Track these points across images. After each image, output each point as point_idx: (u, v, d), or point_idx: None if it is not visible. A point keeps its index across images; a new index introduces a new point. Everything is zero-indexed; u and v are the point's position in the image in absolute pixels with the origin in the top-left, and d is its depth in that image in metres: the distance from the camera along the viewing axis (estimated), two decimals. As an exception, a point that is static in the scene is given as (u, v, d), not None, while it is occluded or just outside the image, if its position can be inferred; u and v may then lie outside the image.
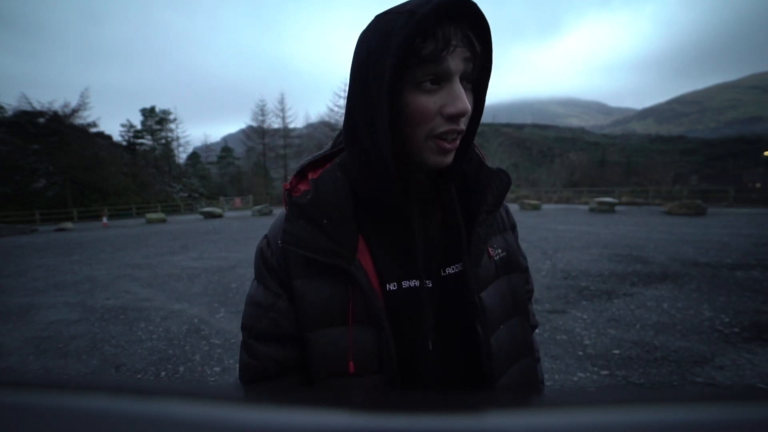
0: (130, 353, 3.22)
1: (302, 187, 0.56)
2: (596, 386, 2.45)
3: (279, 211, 0.60)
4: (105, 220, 21.22)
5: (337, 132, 0.62)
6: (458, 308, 0.56)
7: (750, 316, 3.51)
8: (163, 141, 49.57)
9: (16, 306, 4.78)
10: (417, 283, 0.54)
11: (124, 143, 45.15)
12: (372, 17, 0.50)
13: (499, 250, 0.62)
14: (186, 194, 41.03)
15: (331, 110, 42.11)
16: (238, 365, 0.61)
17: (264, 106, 46.71)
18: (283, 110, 47.00)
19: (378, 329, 0.51)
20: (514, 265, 0.64)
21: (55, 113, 31.07)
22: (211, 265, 7.03)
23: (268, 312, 0.55)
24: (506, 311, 0.60)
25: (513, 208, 17.98)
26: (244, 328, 0.58)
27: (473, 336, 0.56)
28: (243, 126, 52.30)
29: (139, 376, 2.84)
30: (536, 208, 19.45)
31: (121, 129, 46.75)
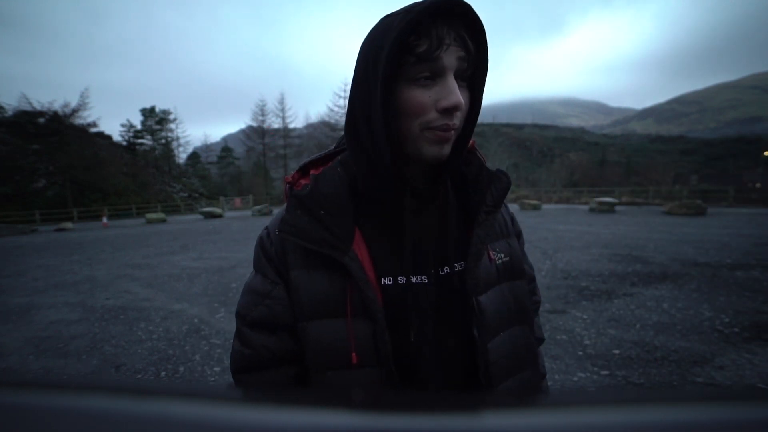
0: (130, 353, 3.22)
1: (303, 182, 0.58)
2: (596, 386, 2.46)
3: (279, 210, 0.61)
4: (105, 220, 21.23)
5: (338, 132, 0.62)
6: (455, 309, 0.56)
7: (750, 316, 3.51)
8: (163, 141, 49.59)
9: (16, 306, 4.78)
10: (413, 279, 0.54)
11: (124, 143, 45.16)
12: (375, 16, 0.53)
13: (502, 255, 0.61)
14: (186, 194, 41.03)
15: (331, 110, 42.11)
16: (230, 354, 0.60)
17: (264, 106, 46.72)
18: (283, 110, 47.01)
19: (373, 322, 0.51)
20: (518, 271, 0.63)
21: (55, 113, 31.07)
22: (211, 265, 7.03)
23: (264, 299, 0.55)
24: (508, 318, 0.59)
25: (513, 208, 17.98)
26: (238, 315, 0.58)
27: (470, 340, 0.55)
28: (243, 126, 52.31)
29: (139, 376, 2.84)
30: (536, 208, 19.45)
31: (121, 129, 46.81)
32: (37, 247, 11.17)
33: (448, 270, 0.56)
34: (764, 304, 3.83)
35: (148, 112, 48.48)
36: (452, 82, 0.49)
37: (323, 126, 44.12)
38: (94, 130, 34.87)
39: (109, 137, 40.53)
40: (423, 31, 0.48)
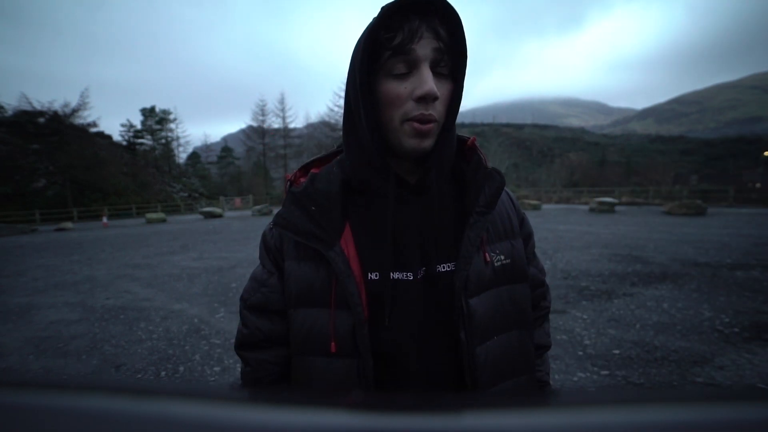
0: (130, 353, 3.22)
1: (303, 180, 0.62)
2: (596, 386, 2.45)
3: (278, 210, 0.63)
4: (105, 220, 21.22)
5: (338, 132, 0.63)
6: (444, 309, 0.55)
7: (750, 316, 3.51)
8: (163, 141, 49.60)
9: (16, 306, 4.78)
10: (397, 275, 0.55)
11: (124, 143, 45.17)
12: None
13: (502, 257, 0.59)
14: (186, 194, 41.02)
15: (331, 110, 42.08)
16: None
17: (264, 106, 46.72)
18: (283, 110, 47.01)
19: (354, 315, 0.52)
20: (519, 275, 0.62)
21: (55, 113, 31.06)
22: (211, 265, 7.03)
23: (261, 287, 0.61)
24: (503, 323, 0.58)
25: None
26: (241, 299, 0.64)
27: (457, 341, 0.55)
28: (243, 126, 52.30)
29: (139, 376, 2.84)
30: (536, 208, 19.45)
31: (121, 129, 46.83)
32: (37, 247, 11.16)
33: (439, 269, 0.56)
34: (764, 304, 3.83)
35: (148, 112, 48.49)
36: (426, 72, 0.50)
37: (323, 126, 44.10)
38: (94, 129, 34.88)
39: (109, 137, 40.52)
40: (395, 25, 0.50)
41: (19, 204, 27.32)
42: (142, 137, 47.77)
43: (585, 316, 3.68)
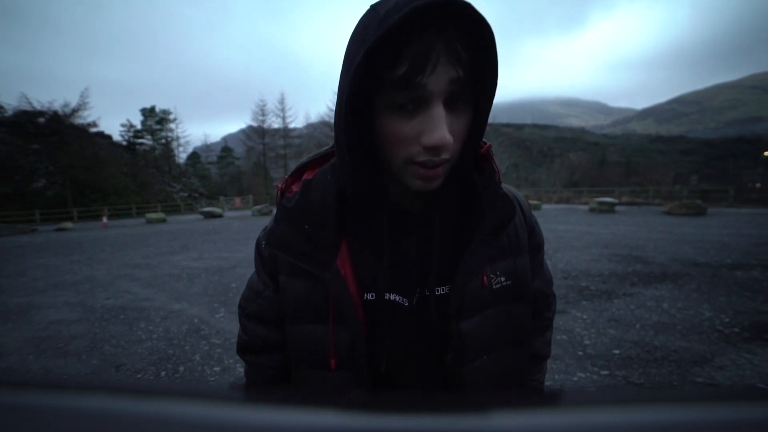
0: (130, 353, 3.22)
1: (295, 188, 0.55)
2: (596, 386, 2.45)
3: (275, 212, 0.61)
4: (105, 219, 21.23)
5: None
6: (434, 332, 0.53)
7: (750, 316, 3.51)
8: (163, 141, 49.65)
9: (16, 306, 4.78)
10: (392, 297, 0.52)
11: (124, 143, 45.22)
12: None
13: (502, 279, 0.55)
14: (186, 194, 41.03)
15: (331, 110, 42.06)
16: None
17: (264, 106, 46.77)
18: (283, 110, 47.06)
19: (351, 335, 0.51)
20: (521, 293, 0.57)
21: (55, 113, 31.07)
22: (211, 265, 7.03)
23: (257, 298, 0.60)
24: (497, 342, 0.55)
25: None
26: (239, 306, 0.64)
27: (442, 363, 0.53)
28: (243, 126, 52.34)
29: (139, 376, 2.84)
30: (536, 208, 19.46)
31: (121, 129, 46.89)
32: (37, 247, 11.16)
33: (436, 291, 0.53)
34: (764, 304, 3.83)
35: (148, 112, 48.51)
36: (438, 114, 0.41)
37: (323, 126, 44.17)
38: (94, 129, 34.90)
39: (109, 137, 40.54)
40: (402, 45, 0.38)
41: (19, 204, 27.32)
42: (142, 137, 47.81)
43: (585, 316, 3.68)
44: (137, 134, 47.50)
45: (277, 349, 0.61)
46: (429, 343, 0.53)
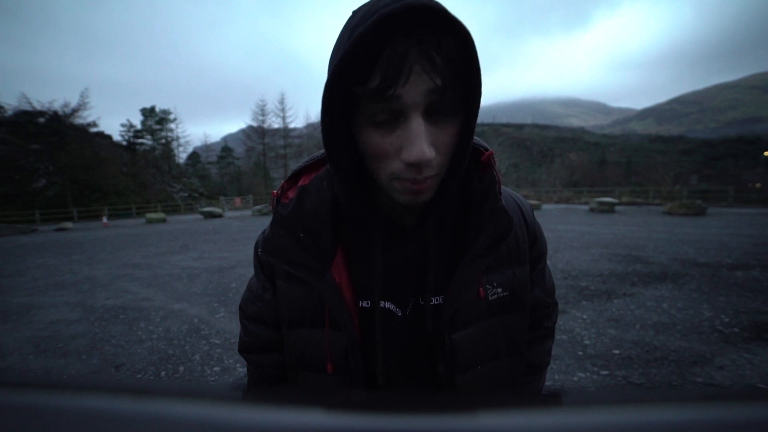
0: (130, 353, 3.22)
1: (291, 194, 0.54)
2: (596, 386, 2.45)
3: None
4: (105, 219, 21.23)
5: None
6: (427, 341, 0.53)
7: (750, 316, 3.51)
8: (163, 141, 49.68)
9: (16, 306, 4.78)
10: (386, 305, 0.52)
11: (124, 143, 45.25)
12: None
13: (499, 290, 0.54)
14: (186, 194, 41.03)
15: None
16: None
17: (264, 105, 46.77)
18: (283, 110, 47.07)
19: (346, 341, 0.51)
20: (517, 306, 0.56)
21: (55, 113, 31.06)
22: (211, 265, 7.03)
23: (256, 301, 0.60)
24: (491, 353, 0.54)
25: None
26: (240, 308, 0.64)
27: (435, 373, 0.53)
28: (243, 126, 52.38)
29: (139, 376, 2.84)
30: (536, 208, 19.46)
31: (121, 129, 46.92)
32: (37, 247, 11.16)
33: (431, 301, 0.52)
34: (764, 304, 3.83)
35: (148, 112, 48.53)
36: (416, 128, 0.38)
37: (323, 126, 44.08)
38: (94, 129, 34.90)
39: (109, 137, 40.54)
40: (374, 54, 0.36)
41: (19, 204, 27.33)
42: (142, 137, 47.83)
43: (585, 316, 3.68)
44: (137, 134, 47.52)
45: (277, 350, 0.62)
46: (422, 353, 0.53)
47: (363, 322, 0.52)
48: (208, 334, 3.59)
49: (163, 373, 2.85)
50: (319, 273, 0.50)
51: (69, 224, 18.94)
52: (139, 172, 37.88)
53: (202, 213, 23.17)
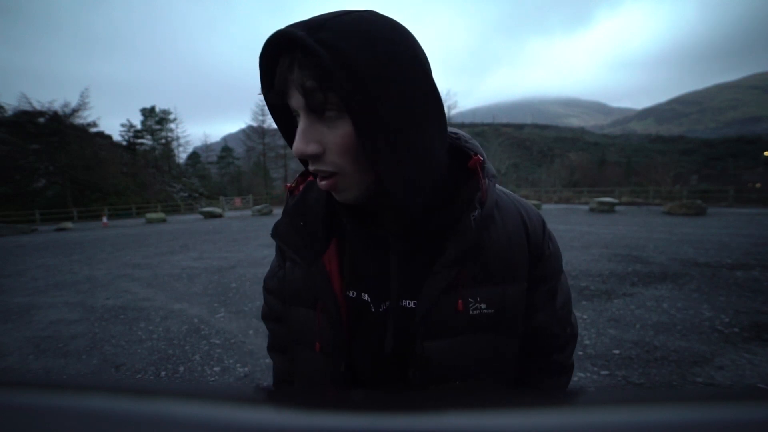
0: (130, 353, 3.22)
1: (302, 187, 0.61)
2: (596, 386, 2.45)
3: (279, 211, 0.64)
4: (105, 219, 21.23)
5: None
6: (399, 343, 0.53)
7: (750, 316, 3.51)
8: (163, 141, 49.68)
9: (16, 306, 4.78)
10: (368, 298, 0.55)
11: (124, 143, 45.24)
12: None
13: (483, 306, 0.52)
14: (186, 194, 41.03)
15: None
16: None
17: (264, 105, 46.71)
18: (283, 110, 46.92)
19: (332, 325, 0.55)
20: (506, 327, 0.54)
21: (55, 113, 31.06)
22: (211, 265, 7.03)
23: (273, 277, 0.68)
24: (472, 371, 0.53)
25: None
26: (263, 281, 0.71)
27: (406, 379, 0.53)
28: (243, 126, 52.40)
29: (139, 375, 2.84)
30: (537, 208, 19.43)
31: (121, 129, 46.91)
32: (37, 247, 11.17)
33: (405, 304, 0.53)
34: (764, 304, 3.83)
35: (148, 112, 48.54)
36: (300, 128, 0.44)
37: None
38: (94, 130, 34.89)
39: (109, 137, 40.54)
40: (270, 73, 0.45)
41: (19, 204, 27.33)
42: (142, 137, 47.83)
43: (585, 316, 3.68)
44: (137, 134, 47.51)
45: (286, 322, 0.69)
46: (395, 353, 0.54)
47: (349, 310, 0.56)
48: (208, 334, 3.59)
49: (163, 373, 2.85)
50: (311, 259, 0.55)
51: (69, 224, 18.95)
52: (139, 172, 37.88)
53: (202, 213, 23.17)
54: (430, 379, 0.52)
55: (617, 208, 18.39)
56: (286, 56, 0.42)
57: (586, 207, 19.93)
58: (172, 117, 50.49)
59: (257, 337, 3.44)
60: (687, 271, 5.32)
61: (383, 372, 0.55)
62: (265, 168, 48.35)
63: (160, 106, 55.42)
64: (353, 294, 0.55)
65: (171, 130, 50.72)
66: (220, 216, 22.39)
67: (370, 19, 0.42)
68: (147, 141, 48.16)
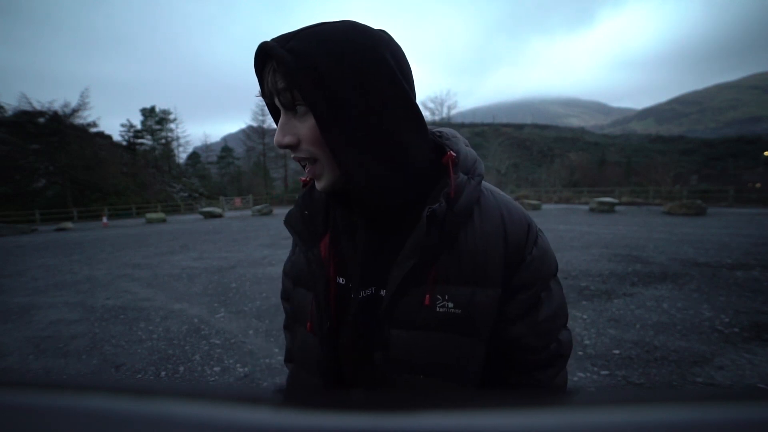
0: (130, 353, 3.22)
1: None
2: (596, 386, 2.45)
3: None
4: (105, 219, 21.23)
5: None
6: (371, 331, 0.56)
7: (750, 316, 3.51)
8: (163, 141, 49.67)
9: (16, 306, 4.78)
10: (350, 285, 0.58)
11: (124, 143, 45.24)
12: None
13: (450, 304, 0.52)
14: (186, 194, 41.03)
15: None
16: None
17: (264, 105, 46.69)
18: (283, 110, 46.95)
19: (318, 307, 0.59)
20: (473, 328, 0.53)
21: (55, 113, 31.07)
22: (211, 265, 7.03)
23: (290, 259, 0.73)
24: (435, 368, 0.54)
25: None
26: (284, 264, 0.76)
27: (372, 362, 0.56)
28: (243, 126, 52.40)
29: (139, 376, 2.84)
30: (536, 208, 19.45)
31: (121, 129, 46.91)
32: (37, 247, 11.17)
33: (381, 292, 0.56)
34: (764, 304, 3.83)
35: (148, 112, 48.53)
36: (279, 123, 0.53)
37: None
38: (94, 130, 34.90)
39: (109, 137, 40.53)
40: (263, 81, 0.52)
41: (19, 204, 27.33)
42: (142, 137, 47.83)
43: (585, 316, 3.68)
44: (137, 134, 47.51)
45: None
46: (368, 338, 0.57)
47: (338, 295, 0.59)
48: (208, 334, 3.59)
49: (163, 373, 2.85)
50: (310, 245, 0.61)
51: (69, 224, 18.95)
52: (139, 172, 37.88)
53: (202, 213, 23.17)
54: (393, 367, 0.54)
55: (617, 208, 18.39)
56: (269, 64, 0.49)
57: (586, 207, 19.93)
58: (172, 117, 50.53)
59: (257, 337, 3.44)
60: (687, 271, 5.32)
61: (357, 354, 0.58)
62: (265, 168, 48.36)
63: (160, 106, 55.49)
64: (342, 281, 0.59)
65: (171, 130, 50.75)
66: (220, 216, 22.39)
67: (341, 29, 0.47)
68: (147, 141, 48.16)
